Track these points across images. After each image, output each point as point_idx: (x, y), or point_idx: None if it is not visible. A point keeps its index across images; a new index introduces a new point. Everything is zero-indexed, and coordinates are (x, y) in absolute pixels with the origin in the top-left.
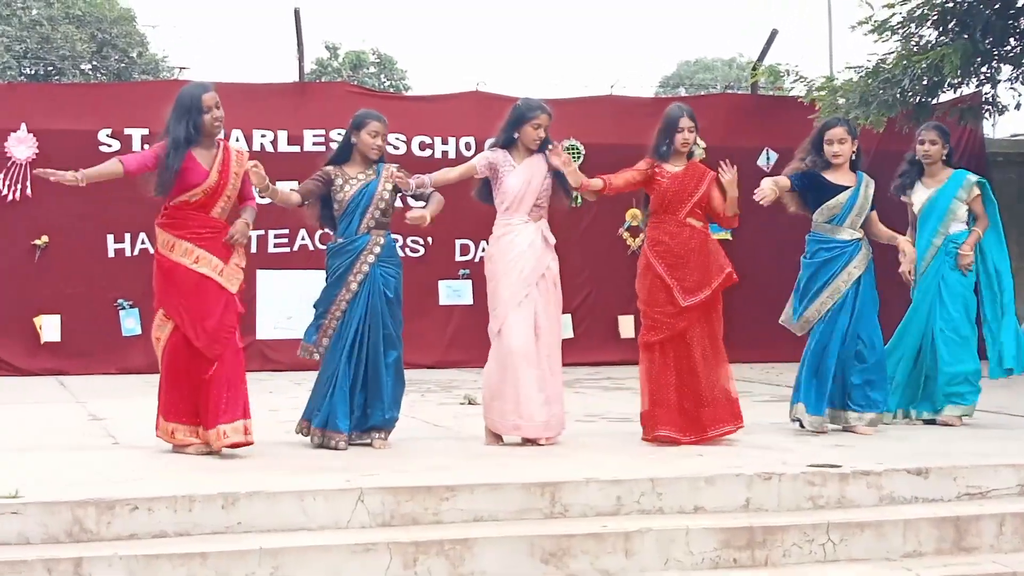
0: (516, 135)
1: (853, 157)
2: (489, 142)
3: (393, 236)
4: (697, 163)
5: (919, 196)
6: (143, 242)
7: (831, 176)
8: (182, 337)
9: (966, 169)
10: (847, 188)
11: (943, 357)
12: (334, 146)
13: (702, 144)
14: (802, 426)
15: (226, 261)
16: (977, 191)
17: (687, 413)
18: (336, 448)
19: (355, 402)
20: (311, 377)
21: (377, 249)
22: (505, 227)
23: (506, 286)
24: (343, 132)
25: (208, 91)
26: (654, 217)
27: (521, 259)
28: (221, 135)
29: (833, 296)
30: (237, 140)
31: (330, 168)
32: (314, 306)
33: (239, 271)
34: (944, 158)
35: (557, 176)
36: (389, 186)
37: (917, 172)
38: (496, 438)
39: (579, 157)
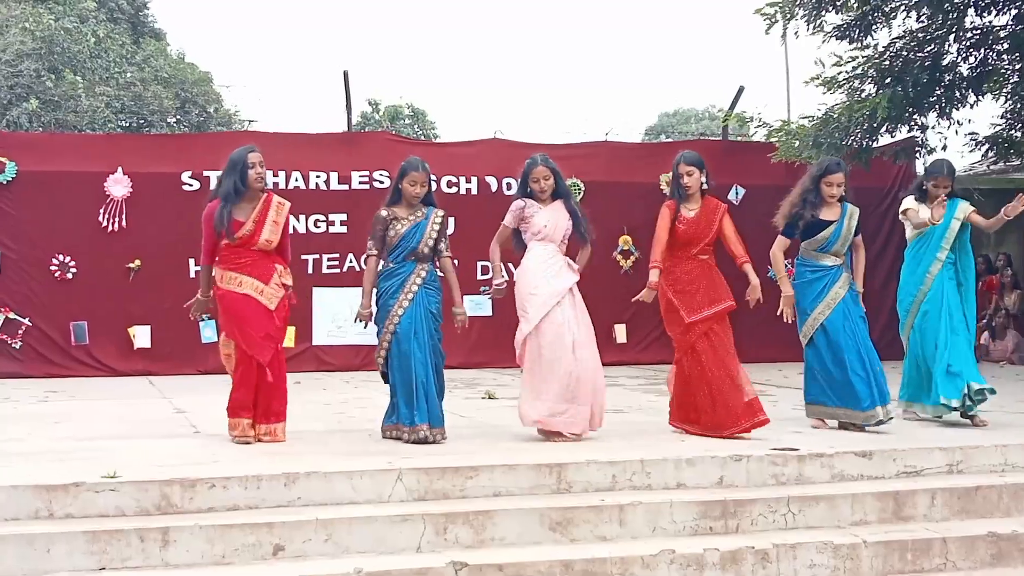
0: (528, 188)
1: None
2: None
3: (433, 266)
4: (711, 201)
5: (926, 215)
6: None
7: (822, 214)
8: (245, 351)
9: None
10: (832, 223)
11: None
12: (376, 185)
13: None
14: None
15: (266, 283)
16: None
17: (705, 411)
18: (402, 440)
19: (415, 401)
20: (359, 376)
21: (424, 274)
22: (542, 249)
23: (540, 298)
24: (384, 173)
25: (253, 152)
26: (669, 251)
27: (554, 278)
28: (264, 186)
29: (824, 312)
30: (297, 179)
31: (384, 214)
32: (375, 322)
33: (280, 289)
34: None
35: (574, 220)
36: (436, 228)
37: (917, 198)
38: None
39: (580, 193)
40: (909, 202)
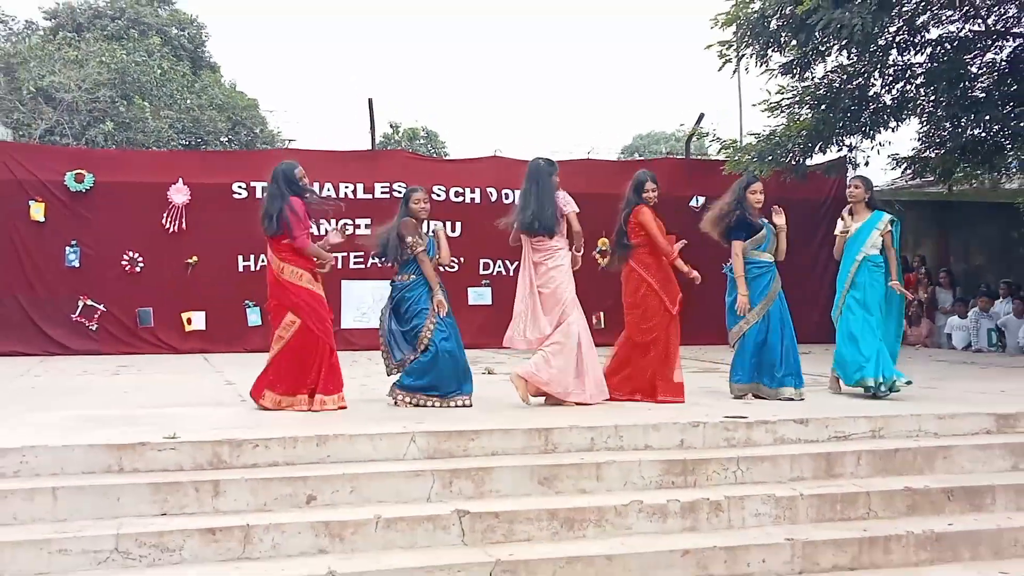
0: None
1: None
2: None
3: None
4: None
5: (845, 226)
6: (262, 260)
7: (755, 218)
8: (300, 333)
9: (838, 210)
10: (764, 224)
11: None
12: (395, 195)
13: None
14: (742, 397)
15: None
16: (889, 227)
17: (646, 385)
18: (430, 406)
19: (462, 380)
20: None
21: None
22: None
23: (571, 286)
24: (402, 184)
25: (297, 167)
26: (645, 248)
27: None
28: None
29: (766, 306)
30: (328, 190)
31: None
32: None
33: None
34: (867, 200)
35: None
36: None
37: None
38: (526, 397)
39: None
40: (841, 223)
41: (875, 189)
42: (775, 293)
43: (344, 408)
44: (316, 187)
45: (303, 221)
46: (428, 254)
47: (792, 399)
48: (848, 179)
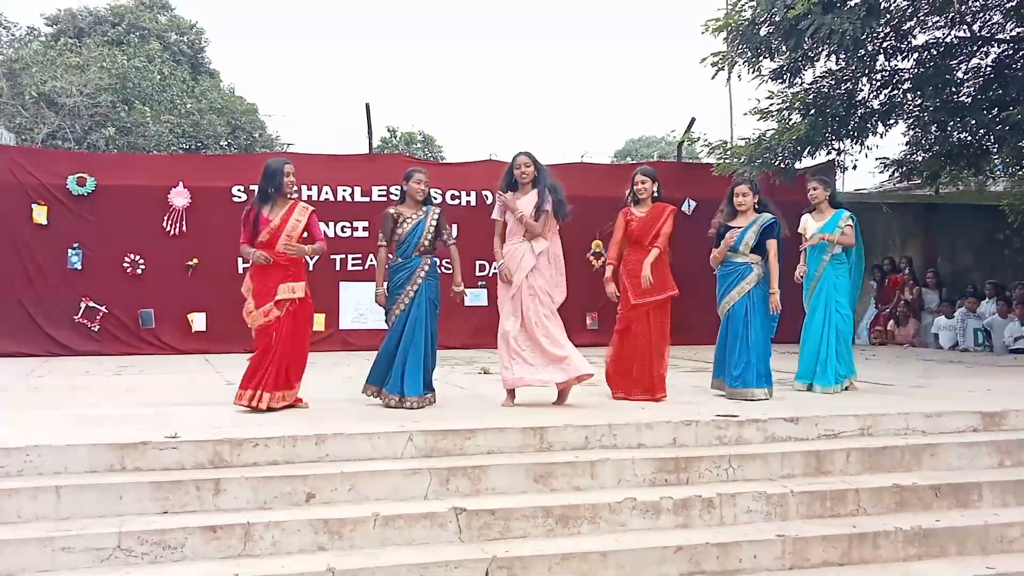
0: (512, 178)
1: (756, 205)
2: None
3: (435, 258)
4: (660, 205)
5: (811, 227)
6: None
7: (734, 221)
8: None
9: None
10: (739, 228)
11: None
12: (392, 197)
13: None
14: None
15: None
16: (850, 222)
17: (636, 378)
18: (397, 407)
19: (404, 375)
20: None
21: (427, 267)
22: (510, 245)
23: (502, 288)
24: (399, 188)
25: (288, 163)
26: (627, 245)
27: (514, 270)
28: (294, 192)
29: (730, 302)
30: (327, 193)
31: (392, 211)
32: (386, 305)
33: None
34: (828, 199)
35: (546, 200)
36: (434, 222)
37: (809, 211)
38: (510, 398)
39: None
40: (803, 220)
41: (863, 192)
42: (737, 294)
43: (273, 408)
44: (315, 190)
45: (244, 222)
46: (416, 236)
47: (752, 399)
48: (807, 181)
